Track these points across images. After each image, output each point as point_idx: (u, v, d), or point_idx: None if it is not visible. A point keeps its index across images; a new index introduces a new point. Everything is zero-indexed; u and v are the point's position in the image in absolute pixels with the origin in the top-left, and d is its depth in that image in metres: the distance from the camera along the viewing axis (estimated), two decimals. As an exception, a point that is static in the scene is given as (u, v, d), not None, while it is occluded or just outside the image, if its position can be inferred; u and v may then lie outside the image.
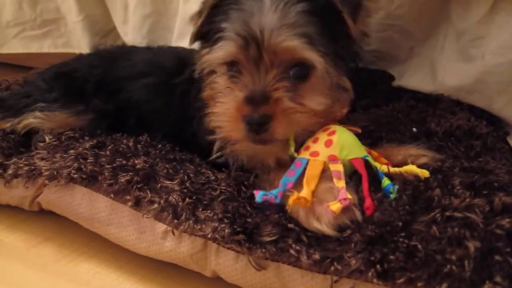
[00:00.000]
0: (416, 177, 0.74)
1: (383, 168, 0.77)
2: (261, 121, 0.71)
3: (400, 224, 0.62)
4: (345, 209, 0.66)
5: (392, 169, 0.77)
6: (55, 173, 0.84)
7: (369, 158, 0.77)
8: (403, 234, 0.61)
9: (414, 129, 1.00)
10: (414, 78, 1.30)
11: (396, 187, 0.72)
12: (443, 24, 1.16)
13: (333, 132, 0.77)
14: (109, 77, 1.07)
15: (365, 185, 0.72)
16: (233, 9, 0.77)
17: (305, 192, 0.69)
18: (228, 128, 0.75)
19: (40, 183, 0.87)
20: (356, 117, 1.11)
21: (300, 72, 0.75)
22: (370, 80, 1.49)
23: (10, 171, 0.89)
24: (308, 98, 0.76)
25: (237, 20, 0.75)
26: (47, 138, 0.98)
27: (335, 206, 0.65)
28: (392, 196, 0.71)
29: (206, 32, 0.82)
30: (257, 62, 0.74)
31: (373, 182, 0.75)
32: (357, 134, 0.87)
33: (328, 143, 0.75)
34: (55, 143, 0.95)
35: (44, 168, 0.86)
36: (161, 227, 0.75)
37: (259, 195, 0.71)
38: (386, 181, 0.74)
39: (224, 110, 0.75)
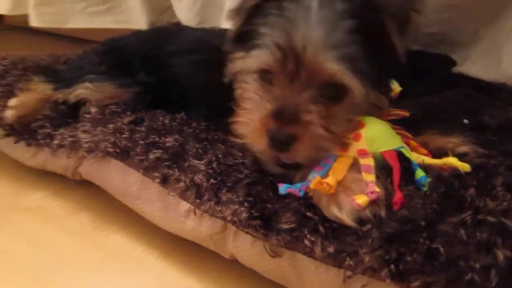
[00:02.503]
0: (454, 171, 0.68)
1: (419, 159, 0.72)
2: (285, 140, 0.67)
3: (423, 223, 0.58)
4: (371, 203, 0.63)
5: (429, 161, 0.72)
6: (93, 146, 0.88)
7: (404, 150, 0.72)
8: (424, 235, 0.56)
9: (465, 121, 0.93)
10: (477, 64, 1.20)
11: (429, 179, 0.67)
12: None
13: (362, 125, 0.72)
14: (157, 51, 1.09)
15: (396, 178, 0.67)
16: (275, 14, 0.72)
17: (330, 179, 0.66)
18: (251, 139, 0.73)
19: (81, 154, 0.91)
20: (404, 105, 1.05)
21: (334, 93, 0.71)
22: (427, 65, 1.39)
23: (56, 141, 0.95)
24: (338, 122, 0.71)
25: (278, 28, 0.70)
26: (93, 110, 1.02)
27: (362, 199, 0.62)
28: (424, 189, 0.66)
29: (243, 32, 0.77)
30: (292, 77, 0.69)
31: (407, 174, 0.71)
32: (401, 123, 0.83)
33: (357, 137, 0.71)
34: (98, 116, 0.98)
35: (84, 140, 0.90)
36: (184, 205, 0.76)
37: (282, 188, 0.69)
38: (420, 173, 0.69)
39: (249, 120, 0.72)
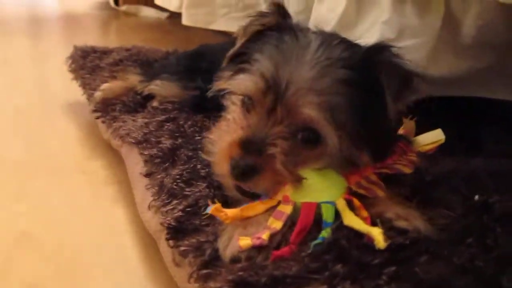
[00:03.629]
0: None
1: (348, 219, 0.67)
2: (245, 171, 0.69)
3: (264, 280, 0.57)
4: (254, 247, 0.64)
5: (354, 224, 0.66)
6: (124, 134, 1.07)
7: (328, 206, 0.68)
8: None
9: (476, 197, 0.79)
10: None
11: (316, 242, 0.63)
12: None
13: None
14: (217, 61, 1.21)
15: (296, 231, 0.66)
16: (273, 44, 0.74)
17: (233, 211, 0.69)
18: (216, 160, 0.75)
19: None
20: (445, 163, 0.94)
21: (309, 137, 0.71)
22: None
23: (115, 124, 1.17)
24: (306, 167, 0.71)
25: (269, 59, 0.72)
26: (153, 105, 1.22)
27: (244, 242, 0.64)
28: (309, 249, 0.63)
29: (239, 54, 0.81)
30: (270, 110, 0.71)
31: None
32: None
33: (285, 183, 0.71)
34: (151, 110, 1.17)
35: (123, 128, 1.10)
36: (150, 199, 0.87)
37: (209, 207, 0.72)
38: (323, 233, 0.65)
39: (218, 141, 0.75)
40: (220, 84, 0.82)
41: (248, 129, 0.71)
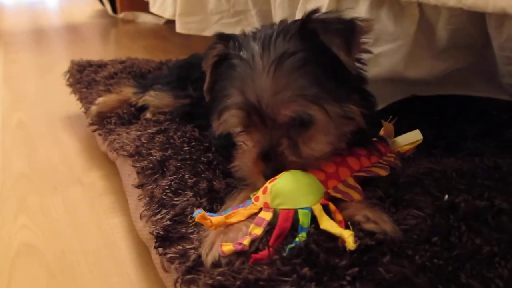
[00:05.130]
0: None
1: (324, 224, 0.72)
2: (273, 173, 0.77)
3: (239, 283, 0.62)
4: (235, 253, 0.69)
5: (329, 228, 0.71)
6: (118, 147, 1.13)
7: (304, 211, 0.73)
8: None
9: (446, 197, 0.83)
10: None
11: (292, 246, 0.68)
12: None
13: (274, 179, 0.77)
14: None
15: (273, 236, 0.71)
16: (228, 73, 0.82)
17: (217, 218, 0.74)
18: (251, 180, 0.83)
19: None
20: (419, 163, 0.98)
21: (302, 120, 0.78)
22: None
23: (110, 137, 1.23)
24: (312, 145, 0.79)
25: (233, 88, 0.80)
26: (146, 116, 1.27)
27: (227, 248, 0.69)
28: (284, 253, 0.68)
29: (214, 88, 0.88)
30: (262, 124, 0.79)
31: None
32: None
33: (265, 190, 0.77)
34: (144, 122, 1.23)
35: (117, 141, 1.15)
36: (142, 208, 0.93)
37: (196, 212, 0.77)
38: (298, 238, 0.70)
39: (244, 165, 0.83)
40: (218, 130, 0.87)
41: (259, 144, 0.80)
